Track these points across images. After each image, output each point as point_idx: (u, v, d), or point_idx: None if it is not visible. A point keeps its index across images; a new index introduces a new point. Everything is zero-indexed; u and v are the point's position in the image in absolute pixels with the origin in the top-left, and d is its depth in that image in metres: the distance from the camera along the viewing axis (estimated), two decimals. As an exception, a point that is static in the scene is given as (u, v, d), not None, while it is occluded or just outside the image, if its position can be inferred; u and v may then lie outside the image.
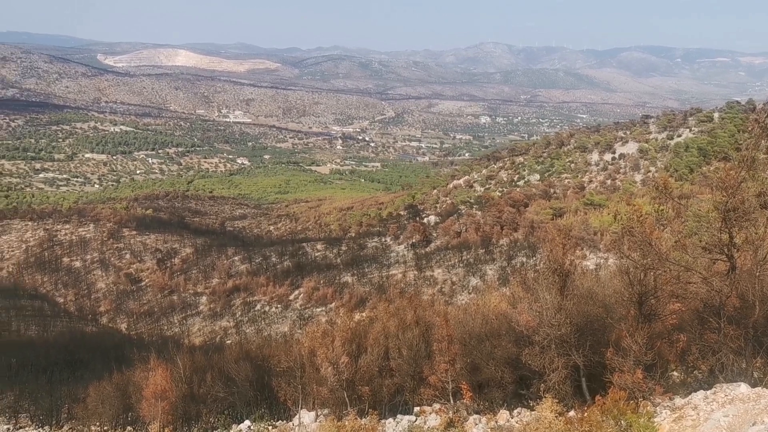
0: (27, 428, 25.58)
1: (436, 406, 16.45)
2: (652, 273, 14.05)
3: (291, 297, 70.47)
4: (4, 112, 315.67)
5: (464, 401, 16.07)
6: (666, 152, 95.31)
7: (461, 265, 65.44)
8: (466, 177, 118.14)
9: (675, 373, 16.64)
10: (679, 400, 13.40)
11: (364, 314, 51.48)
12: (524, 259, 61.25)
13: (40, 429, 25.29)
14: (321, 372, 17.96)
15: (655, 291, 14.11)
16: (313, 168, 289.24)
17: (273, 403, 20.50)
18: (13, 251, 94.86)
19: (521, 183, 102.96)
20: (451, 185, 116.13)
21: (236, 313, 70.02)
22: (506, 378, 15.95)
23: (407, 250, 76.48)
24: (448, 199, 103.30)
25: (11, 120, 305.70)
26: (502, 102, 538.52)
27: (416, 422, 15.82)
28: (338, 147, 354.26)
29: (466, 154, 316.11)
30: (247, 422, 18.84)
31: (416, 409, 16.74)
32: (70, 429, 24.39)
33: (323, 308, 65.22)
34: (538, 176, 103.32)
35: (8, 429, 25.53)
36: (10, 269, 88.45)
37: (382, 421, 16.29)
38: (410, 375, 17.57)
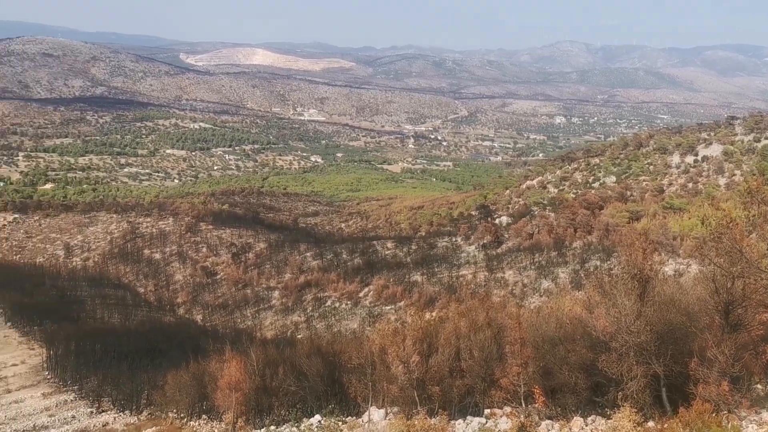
0: (109, 412, 26.59)
1: (507, 409, 16.22)
2: (740, 281, 13.41)
3: (361, 294, 70.94)
4: (94, 109, 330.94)
5: (536, 406, 15.78)
6: (752, 155, 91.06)
7: (533, 267, 64.40)
8: (540, 178, 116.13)
9: (759, 386, 15.87)
10: (766, 415, 12.77)
11: (433, 314, 51.36)
12: (598, 263, 59.74)
13: (121, 413, 26.22)
14: (391, 370, 17.98)
15: (743, 300, 13.47)
16: (385, 166, 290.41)
17: (343, 399, 20.65)
18: (99, 242, 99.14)
19: (596, 185, 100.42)
20: (523, 186, 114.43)
21: (307, 308, 71.01)
22: (580, 384, 15.55)
23: (478, 251, 75.80)
24: (520, 199, 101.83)
25: (100, 116, 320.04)
26: (578, 102, 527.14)
27: (486, 425, 15.64)
28: (410, 146, 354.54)
29: (540, 155, 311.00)
30: (317, 416, 19.06)
31: (487, 411, 16.55)
32: (149, 414, 25.23)
33: (392, 306, 65.39)
34: (614, 178, 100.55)
35: (92, 412, 26.61)
36: (96, 259, 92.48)
37: (452, 422, 16.18)
38: (481, 377, 17.37)
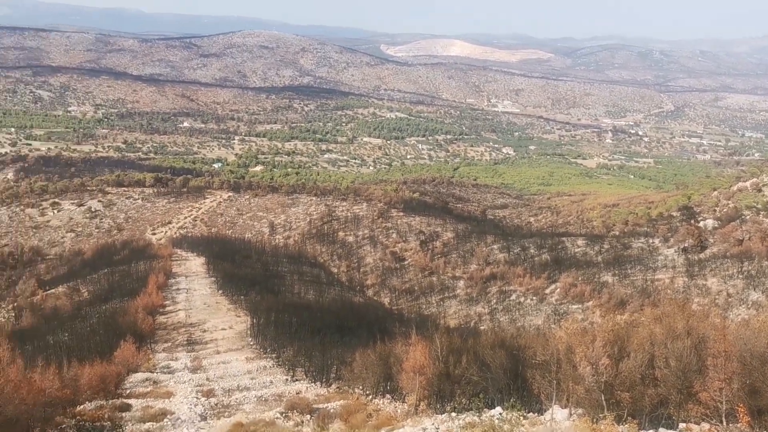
0: (302, 381, 28.40)
1: (705, 426, 15.12)
2: None
3: (547, 291, 69.33)
4: (300, 98, 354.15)
5: (739, 426, 14.55)
6: None
7: (740, 276, 58.87)
8: (755, 179, 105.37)
9: None
10: None
11: (623, 317, 48.94)
12: (822, 278, 53.28)
13: (313, 384, 27.89)
14: (578, 370, 17.47)
15: None
16: (579, 161, 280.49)
17: (525, 394, 20.42)
18: (299, 222, 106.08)
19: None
20: (735, 188, 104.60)
21: (491, 300, 70.76)
22: (794, 408, 14.10)
23: (677, 255, 70.74)
24: (730, 202, 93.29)
25: (305, 105, 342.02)
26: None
27: (680, 439, 14.72)
28: (607, 140, 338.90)
29: (756, 155, 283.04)
30: (498, 409, 19.03)
31: (682, 425, 15.55)
32: (337, 388, 26.58)
33: (579, 306, 63.19)
34: None
35: (287, 379, 28.63)
36: (296, 238, 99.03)
37: (642, 431, 15.43)
38: (677, 388, 16.32)
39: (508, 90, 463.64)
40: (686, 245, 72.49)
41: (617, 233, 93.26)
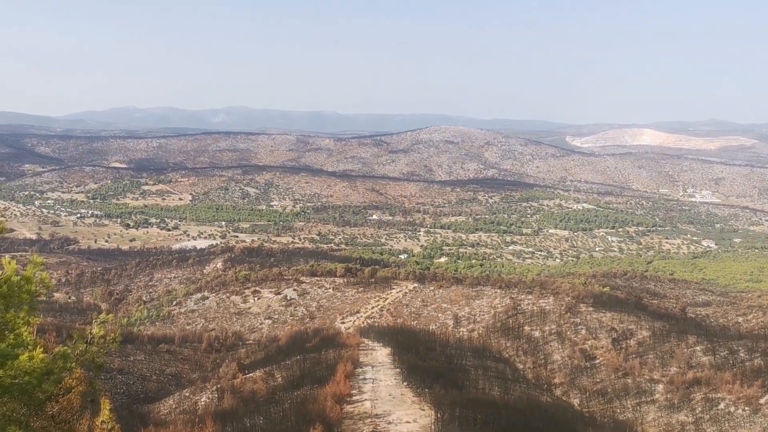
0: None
1: None
2: None
3: (761, 400, 61.67)
4: (485, 190, 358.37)
5: None
6: None
7: None
8: None
9: None
10: None
11: None
12: None
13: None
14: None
15: None
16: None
17: None
18: (483, 315, 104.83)
19: None
20: None
21: (695, 408, 64.19)
22: None
23: None
24: None
25: (489, 197, 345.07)
26: None
27: None
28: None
29: None
30: None
31: None
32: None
33: (805, 421, 55.38)
34: None
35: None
36: (480, 331, 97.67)
37: None
38: None
39: (707, 179, 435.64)
40: None
41: None
